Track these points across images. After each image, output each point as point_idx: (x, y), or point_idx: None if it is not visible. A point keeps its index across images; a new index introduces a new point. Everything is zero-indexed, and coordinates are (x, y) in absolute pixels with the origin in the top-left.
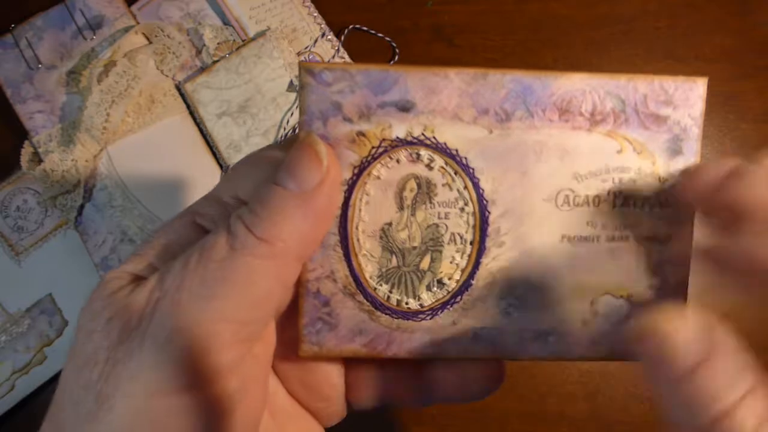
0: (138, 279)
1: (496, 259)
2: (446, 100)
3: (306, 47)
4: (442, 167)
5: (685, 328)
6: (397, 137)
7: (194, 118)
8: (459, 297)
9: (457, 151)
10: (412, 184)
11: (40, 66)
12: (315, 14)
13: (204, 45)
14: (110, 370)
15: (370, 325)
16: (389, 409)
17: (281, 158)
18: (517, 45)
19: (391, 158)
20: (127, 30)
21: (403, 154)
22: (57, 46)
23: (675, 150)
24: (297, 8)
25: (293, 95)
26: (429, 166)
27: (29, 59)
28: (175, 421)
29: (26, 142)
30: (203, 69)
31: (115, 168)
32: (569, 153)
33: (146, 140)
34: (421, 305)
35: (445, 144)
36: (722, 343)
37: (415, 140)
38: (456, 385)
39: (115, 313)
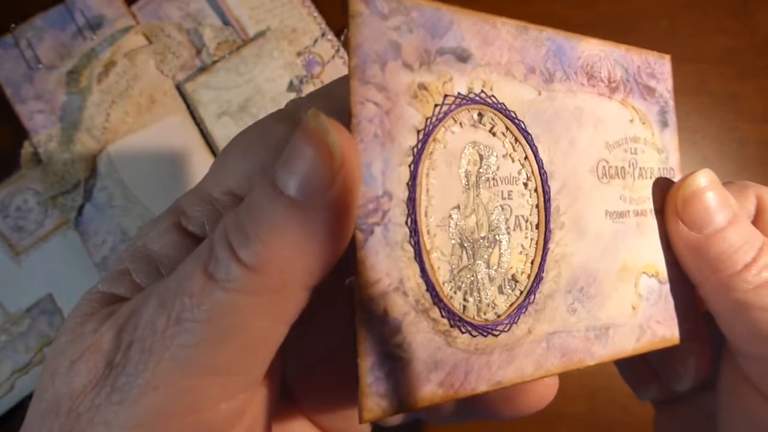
0: (116, 300)
1: (559, 244)
2: (498, 53)
3: (306, 47)
4: (503, 133)
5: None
6: (460, 93)
7: (194, 118)
8: (532, 296)
9: (515, 113)
10: (474, 155)
11: (40, 66)
12: (315, 14)
13: (204, 45)
14: (72, 425)
15: (447, 352)
16: None
17: (284, 137)
18: None
19: (455, 120)
20: (127, 30)
21: (465, 116)
22: (57, 46)
23: (663, 122)
24: (297, 8)
25: (293, 95)
26: (492, 132)
27: (29, 59)
28: None
29: (26, 142)
30: (203, 69)
31: (115, 168)
32: (600, 120)
33: (146, 140)
34: (497, 314)
35: (504, 105)
36: (739, 212)
37: (478, 98)
38: (505, 399)
39: (81, 354)
